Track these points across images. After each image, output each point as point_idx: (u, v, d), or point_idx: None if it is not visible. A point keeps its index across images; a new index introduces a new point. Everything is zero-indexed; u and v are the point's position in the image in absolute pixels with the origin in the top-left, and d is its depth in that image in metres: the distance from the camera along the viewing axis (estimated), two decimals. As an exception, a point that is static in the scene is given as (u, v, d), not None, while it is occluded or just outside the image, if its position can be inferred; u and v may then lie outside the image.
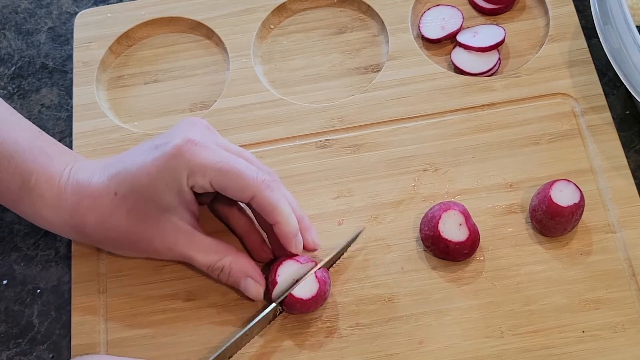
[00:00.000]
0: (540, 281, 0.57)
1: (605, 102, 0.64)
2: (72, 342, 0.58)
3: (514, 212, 0.60)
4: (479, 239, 0.58)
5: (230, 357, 0.56)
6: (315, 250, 0.58)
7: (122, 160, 0.57)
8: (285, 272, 0.56)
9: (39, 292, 0.62)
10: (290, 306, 0.56)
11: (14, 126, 0.59)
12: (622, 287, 0.57)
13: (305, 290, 0.55)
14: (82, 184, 0.56)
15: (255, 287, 0.56)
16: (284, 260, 0.56)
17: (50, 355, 0.59)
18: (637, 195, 0.60)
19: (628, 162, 0.61)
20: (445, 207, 0.57)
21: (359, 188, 0.62)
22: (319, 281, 0.56)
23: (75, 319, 0.59)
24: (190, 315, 0.59)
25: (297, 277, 0.56)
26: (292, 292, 0.55)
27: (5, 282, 0.62)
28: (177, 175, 0.53)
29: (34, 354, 0.59)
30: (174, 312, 0.59)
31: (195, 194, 0.56)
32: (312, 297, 0.55)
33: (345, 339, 0.56)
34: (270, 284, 0.56)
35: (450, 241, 0.57)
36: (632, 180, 0.60)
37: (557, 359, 0.55)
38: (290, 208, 0.56)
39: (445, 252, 0.57)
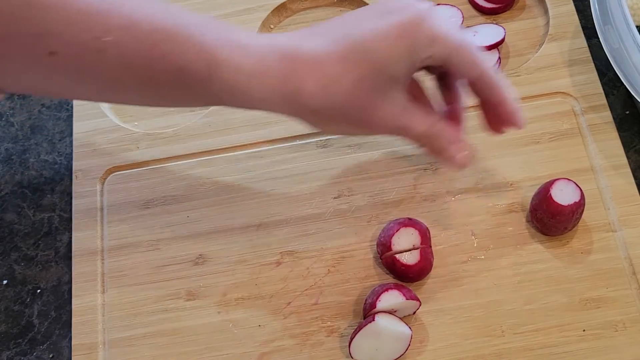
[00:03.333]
0: (540, 280, 0.57)
1: (605, 101, 0.64)
2: (72, 342, 0.58)
3: (515, 211, 0.60)
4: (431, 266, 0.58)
5: None
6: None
7: (345, 25, 0.51)
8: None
9: (39, 292, 0.62)
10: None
11: (178, 10, 0.50)
12: (623, 285, 0.57)
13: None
14: (293, 48, 0.49)
15: (465, 157, 0.53)
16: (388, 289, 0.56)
17: (50, 355, 0.59)
18: (638, 194, 0.60)
19: (628, 162, 0.61)
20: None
21: (359, 187, 0.62)
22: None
23: (75, 319, 0.59)
24: (190, 315, 0.59)
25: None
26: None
27: (5, 282, 0.62)
28: (418, 42, 0.49)
29: (34, 354, 0.59)
30: (174, 312, 0.59)
31: None
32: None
33: (346, 338, 0.56)
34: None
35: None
36: (632, 179, 0.60)
37: (558, 357, 0.55)
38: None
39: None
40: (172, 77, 0.49)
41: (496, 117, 0.54)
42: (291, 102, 0.50)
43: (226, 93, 0.50)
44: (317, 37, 0.50)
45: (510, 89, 0.53)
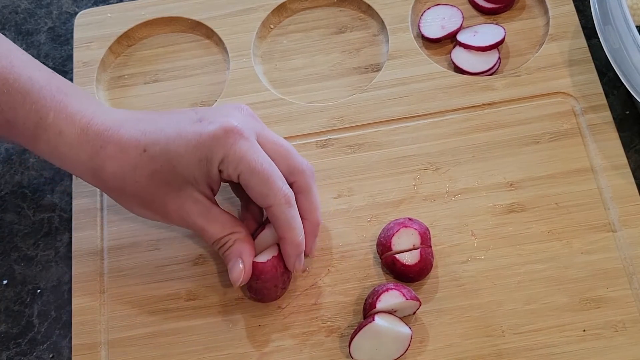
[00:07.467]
0: (540, 280, 0.57)
1: (605, 101, 0.64)
2: (72, 342, 0.58)
3: (515, 211, 0.60)
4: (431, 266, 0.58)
5: None
6: (307, 256, 0.58)
7: (158, 121, 0.55)
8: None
9: (39, 292, 0.62)
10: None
11: (28, 64, 0.56)
12: (623, 285, 0.57)
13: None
14: (108, 129, 0.54)
15: (238, 272, 0.55)
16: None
17: (50, 355, 0.59)
18: (638, 194, 0.60)
19: (628, 162, 0.61)
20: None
21: (359, 187, 0.62)
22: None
23: (75, 319, 0.59)
24: (191, 315, 0.59)
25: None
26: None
27: (5, 282, 0.62)
28: (212, 156, 0.53)
29: (34, 354, 0.59)
30: (174, 312, 0.59)
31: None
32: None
33: (346, 338, 0.56)
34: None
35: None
36: (632, 179, 0.60)
37: (558, 357, 0.55)
38: (300, 229, 0.55)
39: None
40: (2, 126, 0.54)
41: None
42: (95, 176, 0.55)
43: (48, 154, 0.56)
44: (134, 124, 0.55)
45: (299, 232, 0.55)
